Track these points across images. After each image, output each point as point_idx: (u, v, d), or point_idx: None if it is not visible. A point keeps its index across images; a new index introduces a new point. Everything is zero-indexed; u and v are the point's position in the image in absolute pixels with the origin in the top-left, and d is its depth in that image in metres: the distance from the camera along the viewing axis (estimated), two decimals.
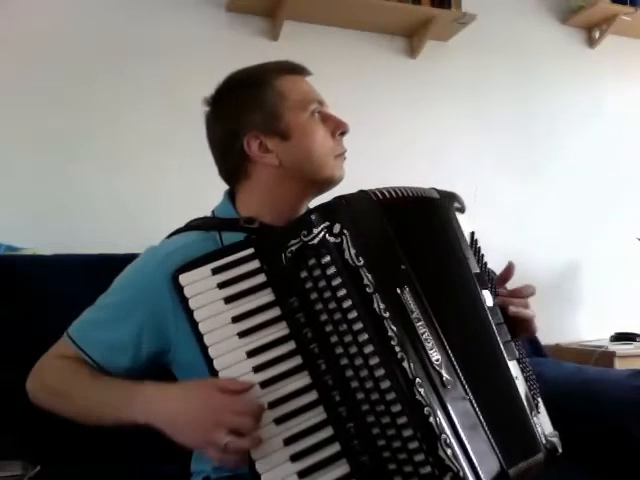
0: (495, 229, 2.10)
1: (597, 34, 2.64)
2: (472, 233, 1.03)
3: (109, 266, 1.14)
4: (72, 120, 1.95)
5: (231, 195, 1.12)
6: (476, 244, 1.03)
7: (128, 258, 1.10)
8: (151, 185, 2.01)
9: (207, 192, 2.09)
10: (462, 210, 1.05)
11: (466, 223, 1.03)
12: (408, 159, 2.30)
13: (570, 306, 2.52)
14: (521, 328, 1.02)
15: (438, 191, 1.01)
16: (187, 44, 2.10)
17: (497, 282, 1.06)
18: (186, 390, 0.90)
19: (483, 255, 1.04)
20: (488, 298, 0.97)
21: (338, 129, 1.08)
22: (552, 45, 2.62)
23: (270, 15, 2.19)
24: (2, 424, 1.24)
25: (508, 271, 1.06)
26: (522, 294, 1.04)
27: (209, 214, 1.12)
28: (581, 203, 2.59)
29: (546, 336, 1.99)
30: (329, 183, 1.08)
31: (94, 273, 1.42)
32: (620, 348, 2.28)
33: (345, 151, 1.10)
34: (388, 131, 2.27)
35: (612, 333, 2.42)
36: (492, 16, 2.42)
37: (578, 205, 2.58)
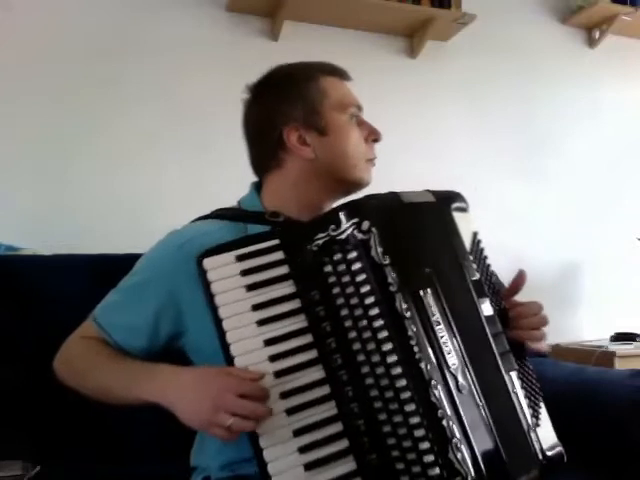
0: (495, 229, 2.09)
1: (597, 34, 2.64)
2: (474, 234, 1.02)
3: (109, 266, 1.14)
4: (72, 120, 1.95)
5: (257, 188, 1.14)
6: (478, 245, 1.01)
7: (128, 258, 1.10)
8: (151, 185, 2.01)
9: (207, 191, 2.09)
10: (464, 209, 1.03)
11: (467, 224, 1.01)
12: (408, 159, 2.30)
13: (570, 306, 2.52)
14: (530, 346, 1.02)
15: (433, 193, 0.99)
16: (187, 44, 2.10)
17: (507, 293, 1.04)
18: (196, 373, 0.91)
19: (486, 257, 1.02)
20: (486, 307, 0.96)
21: (371, 136, 1.12)
22: (552, 45, 2.62)
23: (270, 15, 2.19)
24: (2, 424, 1.24)
25: (519, 280, 1.04)
26: (532, 311, 1.02)
27: (216, 209, 1.12)
28: (581, 203, 2.59)
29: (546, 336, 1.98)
30: (357, 185, 1.10)
31: (94, 273, 1.42)
32: (620, 348, 2.28)
33: (375, 157, 1.13)
34: (388, 131, 2.26)
35: (612, 333, 2.42)
36: (492, 16, 2.42)
37: (578, 205, 2.58)
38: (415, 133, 2.36)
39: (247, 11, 2.17)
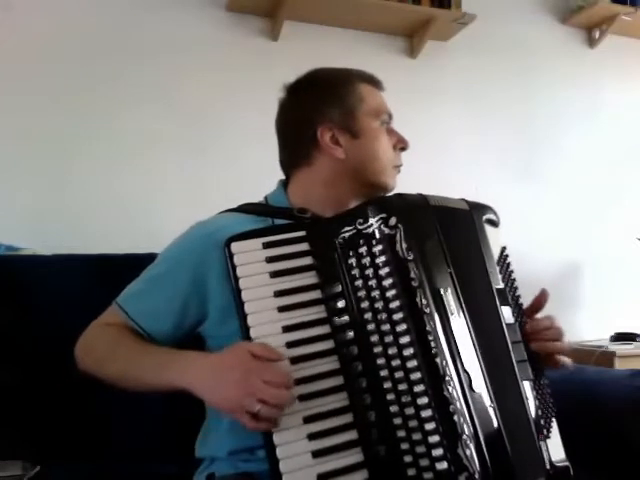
0: None
1: (597, 34, 2.64)
2: (503, 248, 1.06)
3: (109, 266, 1.14)
4: (72, 120, 1.95)
5: (284, 185, 1.16)
6: (505, 259, 1.05)
7: (128, 258, 1.11)
8: (151, 185, 2.01)
9: (207, 191, 2.10)
10: (495, 224, 1.07)
11: (497, 237, 1.05)
12: (408, 159, 2.29)
13: (570, 306, 2.51)
14: (550, 360, 1.03)
15: (467, 202, 1.03)
16: (187, 44, 2.10)
17: (528, 311, 1.07)
18: (222, 357, 0.91)
19: (512, 271, 1.05)
20: (508, 315, 0.98)
21: (399, 144, 1.17)
22: (552, 45, 2.62)
23: (270, 15, 2.18)
24: (2, 424, 1.24)
25: (541, 299, 1.07)
26: (547, 325, 1.04)
27: (231, 207, 1.13)
28: (581, 203, 2.59)
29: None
30: (382, 189, 1.13)
31: (94, 273, 1.42)
32: (620, 348, 2.28)
33: (402, 165, 1.17)
34: None
35: (612, 333, 2.42)
36: (492, 16, 2.42)
37: (578, 205, 2.58)
38: (415, 133, 2.33)
39: (247, 11, 2.17)
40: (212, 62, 2.12)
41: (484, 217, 1.04)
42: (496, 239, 1.04)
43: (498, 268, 1.02)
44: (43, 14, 1.96)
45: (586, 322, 2.50)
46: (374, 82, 1.18)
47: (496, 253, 1.03)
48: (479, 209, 1.05)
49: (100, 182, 1.96)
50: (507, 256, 1.06)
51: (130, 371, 0.99)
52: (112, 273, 1.09)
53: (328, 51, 2.19)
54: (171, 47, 2.08)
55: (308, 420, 0.86)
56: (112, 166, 1.98)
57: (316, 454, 0.84)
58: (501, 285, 1.00)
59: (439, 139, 2.39)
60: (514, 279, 1.05)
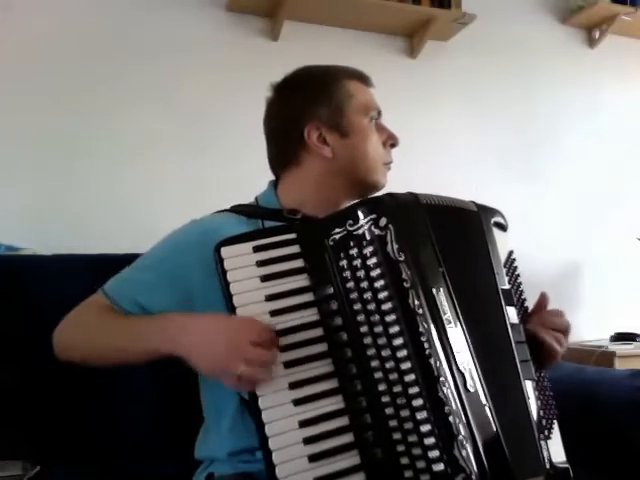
0: None
1: (597, 34, 2.64)
2: (510, 252, 1.06)
3: (109, 266, 1.14)
4: (72, 120, 1.95)
5: (275, 185, 1.15)
6: (512, 263, 1.05)
7: (128, 258, 1.11)
8: (151, 185, 2.01)
9: (207, 191, 2.09)
10: (503, 228, 1.07)
11: (505, 241, 1.05)
12: (408, 159, 2.29)
13: (570, 306, 2.49)
14: (545, 356, 1.04)
15: (476, 205, 1.03)
16: (187, 44, 2.10)
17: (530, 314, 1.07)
18: (209, 319, 0.91)
19: (518, 275, 1.05)
20: (512, 315, 0.97)
21: (390, 140, 1.15)
22: (552, 45, 2.62)
23: (270, 15, 2.19)
24: (2, 424, 1.24)
25: (542, 303, 1.08)
26: (556, 320, 1.05)
27: (225, 207, 1.13)
28: (581, 203, 2.59)
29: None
30: (373, 187, 1.12)
31: (94, 273, 1.42)
32: (620, 348, 2.28)
33: (392, 162, 1.15)
34: None
35: (612, 333, 2.42)
36: (492, 16, 2.42)
37: (578, 205, 2.58)
38: (415, 133, 2.35)
39: (247, 11, 2.17)
40: (212, 62, 2.12)
41: (492, 220, 1.04)
42: (504, 243, 1.04)
43: (505, 270, 1.01)
44: (43, 14, 1.96)
45: (586, 322, 2.50)
46: (362, 78, 1.15)
47: (503, 256, 1.03)
48: (487, 211, 1.05)
49: (100, 182, 1.96)
50: (514, 260, 1.06)
51: (119, 344, 0.98)
52: (112, 273, 1.09)
53: (328, 51, 2.18)
54: (171, 47, 2.08)
55: (304, 424, 0.85)
56: (112, 166, 1.98)
57: (312, 458, 0.84)
58: (507, 286, 0.99)
59: (439, 139, 2.39)
60: (520, 282, 1.05)
